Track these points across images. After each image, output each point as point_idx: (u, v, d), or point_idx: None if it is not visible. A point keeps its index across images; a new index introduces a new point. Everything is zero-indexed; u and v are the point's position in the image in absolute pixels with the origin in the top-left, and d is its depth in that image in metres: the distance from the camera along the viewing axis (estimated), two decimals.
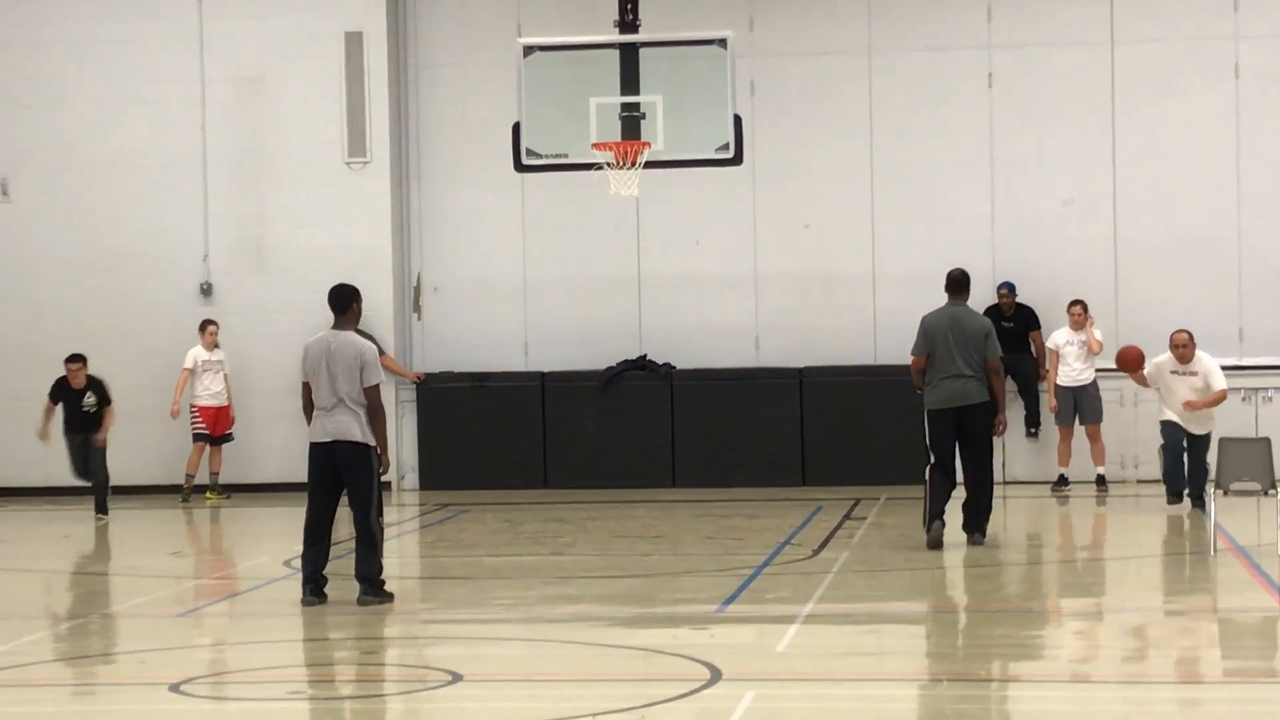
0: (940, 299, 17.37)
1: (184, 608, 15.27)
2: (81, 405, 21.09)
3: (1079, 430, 22.01)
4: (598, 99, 18.85)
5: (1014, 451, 22.89)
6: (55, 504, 20.86)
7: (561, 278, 23.95)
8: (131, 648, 13.01)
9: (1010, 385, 22.72)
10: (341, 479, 14.50)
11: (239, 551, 19.71)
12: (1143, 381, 19.54)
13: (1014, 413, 22.81)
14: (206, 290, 23.77)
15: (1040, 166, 23.32)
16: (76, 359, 21.23)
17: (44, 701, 11.72)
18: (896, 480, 21.52)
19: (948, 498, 16.86)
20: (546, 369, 23.78)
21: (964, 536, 17.06)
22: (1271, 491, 16.76)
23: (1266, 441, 17.09)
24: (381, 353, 22.38)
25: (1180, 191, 23.16)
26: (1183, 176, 23.15)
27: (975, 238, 23.23)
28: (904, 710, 11.04)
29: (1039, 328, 22.80)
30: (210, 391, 22.92)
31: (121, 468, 23.01)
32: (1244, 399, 22.04)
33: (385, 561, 14.69)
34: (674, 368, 23.53)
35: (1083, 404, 21.95)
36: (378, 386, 14.53)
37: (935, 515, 16.80)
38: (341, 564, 15.09)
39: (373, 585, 14.51)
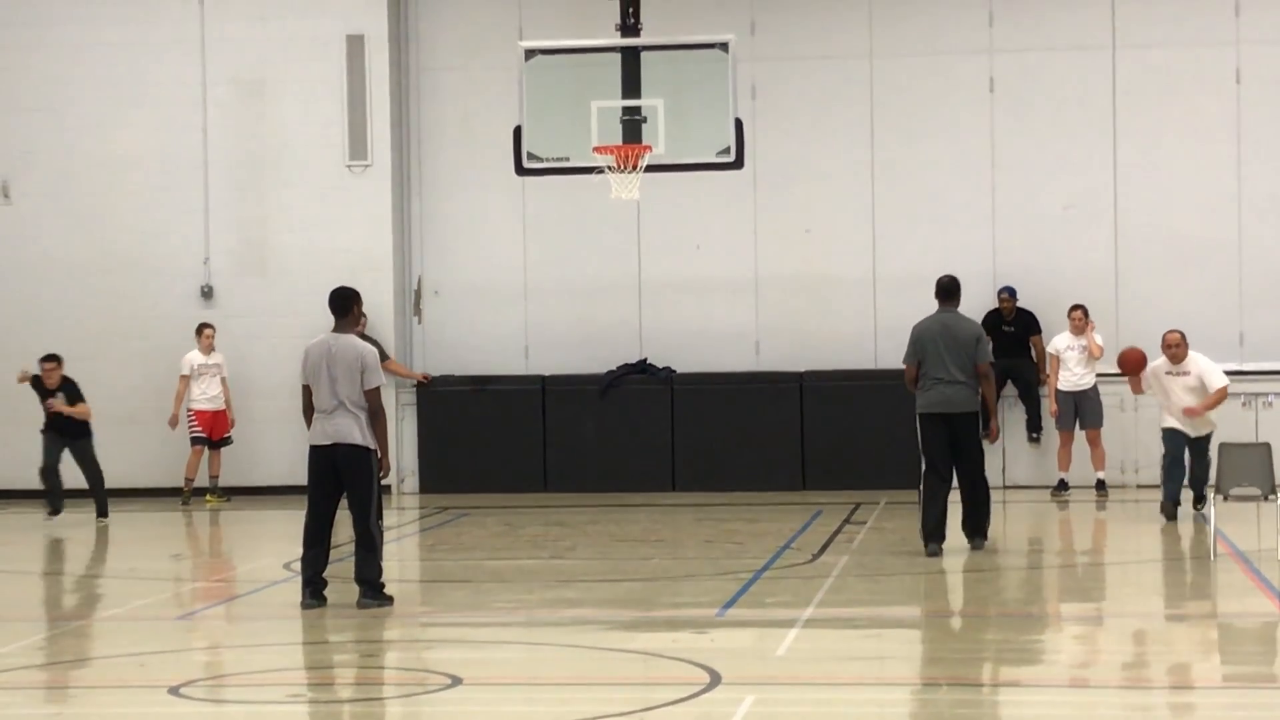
0: None
1: (184, 610, 15.26)
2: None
3: (1079, 435, 22.01)
4: (599, 102, 18.85)
5: (1015, 456, 22.90)
6: (44, 507, 20.83)
7: (562, 281, 23.95)
8: (131, 650, 13.00)
9: (1010, 390, 22.78)
10: (341, 482, 14.50)
11: (239, 554, 19.70)
12: (1137, 387, 19.46)
13: (1015, 417, 22.84)
14: (207, 293, 23.78)
15: (1041, 171, 23.33)
16: (51, 359, 21.19)
17: (44, 704, 11.72)
18: (896, 485, 21.52)
19: (944, 506, 16.77)
20: (547, 372, 23.78)
21: (964, 540, 17.05)
22: (1271, 497, 16.76)
23: (1266, 447, 17.08)
24: (386, 356, 22.56)
25: (1181, 196, 23.16)
26: (1184, 181, 23.16)
27: (976, 242, 23.24)
28: (904, 715, 11.03)
29: (1040, 332, 22.81)
30: (207, 395, 22.92)
31: (122, 471, 23.06)
32: (1244, 404, 22.05)
33: (385, 565, 14.69)
34: (674, 371, 23.52)
35: (1083, 409, 21.95)
36: (378, 389, 14.53)
37: (931, 535, 16.76)
38: (341, 567, 15.09)
39: (372, 588, 14.51)
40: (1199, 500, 19.04)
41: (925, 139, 23.48)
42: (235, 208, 23.85)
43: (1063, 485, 21.98)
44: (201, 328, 23.06)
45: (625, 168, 18.82)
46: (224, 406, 23.07)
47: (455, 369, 23.91)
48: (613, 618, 14.09)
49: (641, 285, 23.91)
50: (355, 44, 23.64)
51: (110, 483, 21.63)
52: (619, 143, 18.81)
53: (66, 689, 12.10)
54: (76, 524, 20.94)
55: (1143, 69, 23.20)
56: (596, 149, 18.85)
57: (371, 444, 14.46)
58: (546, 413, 23.53)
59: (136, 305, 23.77)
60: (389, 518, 16.79)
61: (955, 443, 16.86)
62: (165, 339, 23.37)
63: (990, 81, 23.42)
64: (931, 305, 17.55)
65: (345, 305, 14.77)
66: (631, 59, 18.96)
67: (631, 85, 18.90)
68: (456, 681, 11.69)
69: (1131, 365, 19.25)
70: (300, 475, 15.03)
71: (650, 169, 18.96)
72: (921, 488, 16.94)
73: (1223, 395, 19.05)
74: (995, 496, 17.52)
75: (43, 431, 21.26)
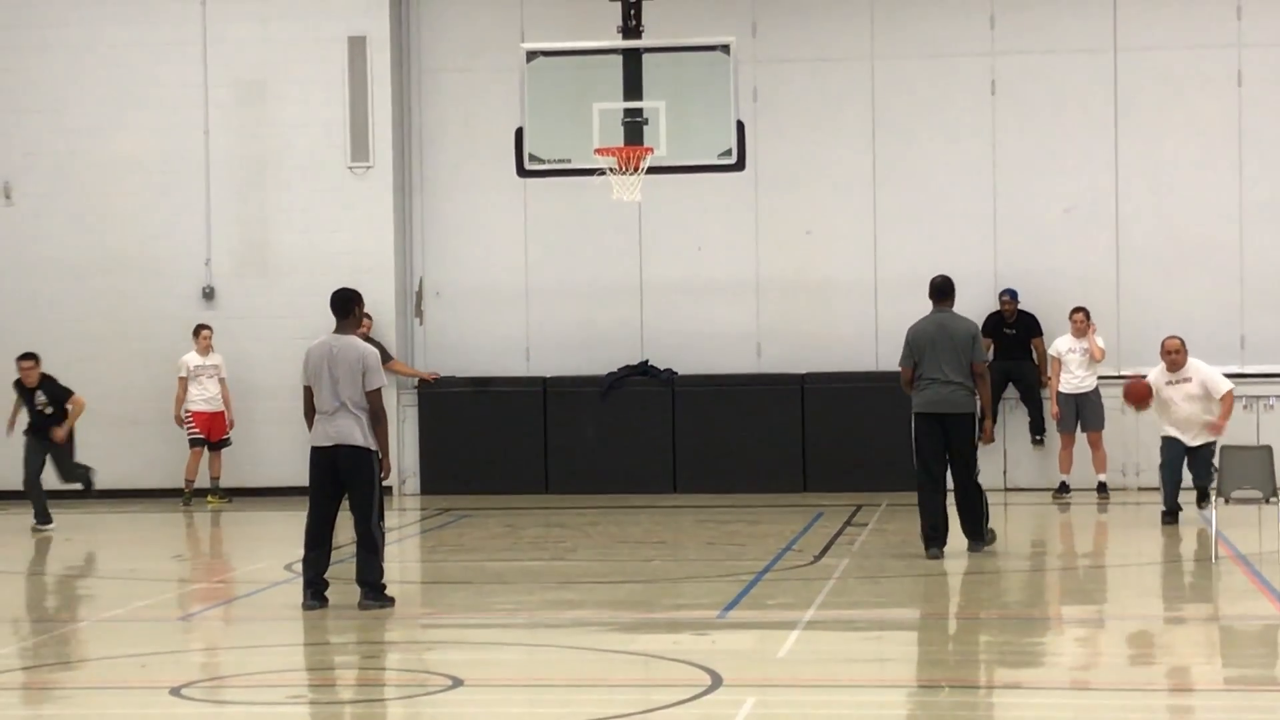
0: None
1: (185, 611, 15.26)
2: (34, 405, 20.60)
3: (1080, 437, 22.00)
4: (600, 104, 18.87)
5: (1017, 458, 22.90)
6: (56, 507, 20.82)
7: (563, 283, 23.95)
8: (132, 651, 13.00)
9: (1012, 392, 22.78)
10: (343, 483, 14.50)
11: (240, 556, 19.70)
12: (1143, 406, 19.23)
13: (1017, 419, 22.84)
14: (209, 294, 23.79)
15: (1043, 173, 23.33)
16: (28, 357, 20.74)
17: (44, 704, 11.73)
18: (898, 486, 21.47)
19: (940, 509, 16.73)
20: (548, 374, 23.79)
21: (965, 542, 17.03)
22: (1273, 499, 16.76)
23: (1268, 449, 17.07)
24: (389, 357, 22.59)
25: (1183, 199, 23.16)
26: (1185, 184, 23.16)
27: (978, 244, 23.24)
28: (905, 717, 11.03)
29: (1041, 334, 22.80)
30: (204, 396, 22.92)
31: (123, 472, 23.10)
32: (1245, 407, 22.02)
33: (386, 566, 14.69)
34: (675, 373, 23.52)
35: (1084, 411, 21.95)
36: (379, 391, 14.53)
37: (931, 538, 16.74)
38: (342, 568, 15.09)
39: (374, 590, 14.51)
40: (1203, 498, 18.90)
41: (926, 141, 23.48)
42: (236, 209, 23.86)
43: (1064, 488, 21.98)
44: (199, 329, 23.06)
45: (627, 169, 18.83)
46: (222, 408, 23.07)
47: (456, 370, 23.91)
48: (614, 619, 14.09)
49: (643, 287, 23.91)
50: (357, 45, 23.64)
51: (111, 484, 21.64)
52: (620, 144, 18.83)
53: (67, 690, 12.10)
54: (77, 525, 20.93)
55: (1144, 71, 23.20)
56: (598, 151, 18.86)
57: (373, 445, 14.46)
58: (548, 414, 23.53)
59: (138, 306, 23.77)
60: (390, 519, 16.79)
61: (950, 443, 16.81)
62: (166, 340, 23.37)
63: (992, 84, 23.42)
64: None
65: (346, 306, 14.77)
66: (633, 61, 18.98)
67: (633, 87, 18.92)
68: (458, 683, 11.69)
69: (1137, 397, 19.00)
70: (301, 476, 15.03)
71: (651, 171, 18.98)
72: (918, 494, 16.88)
73: (1231, 399, 18.96)
74: (997, 499, 17.51)
75: (26, 433, 20.77)
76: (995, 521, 17.47)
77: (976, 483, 16.94)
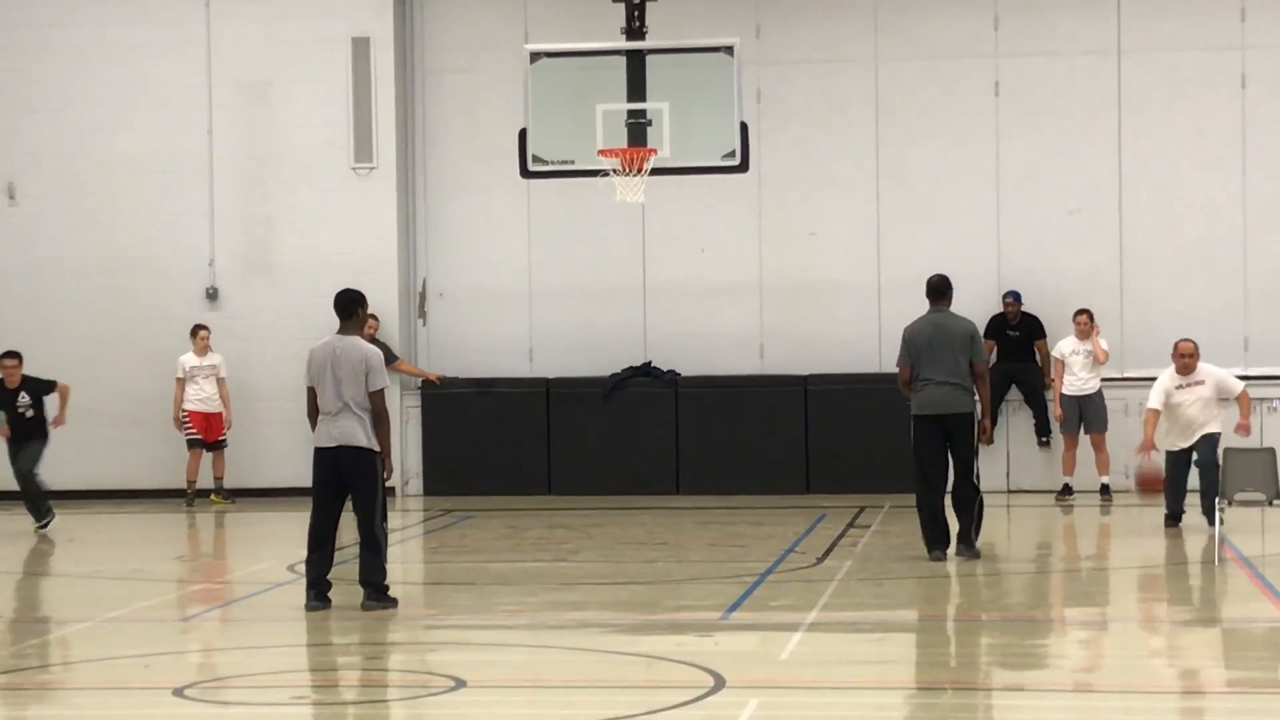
0: None
1: (188, 612, 15.26)
2: (15, 406, 20.25)
3: (1083, 439, 22.00)
4: (604, 105, 18.86)
5: (1020, 460, 22.88)
6: (58, 507, 20.83)
7: (567, 284, 23.95)
8: (135, 652, 13.00)
9: (1015, 394, 22.77)
10: (346, 484, 14.50)
11: (242, 556, 19.70)
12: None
13: (1021, 421, 22.82)
14: (212, 295, 23.79)
15: (1046, 175, 23.33)
16: (11, 356, 20.40)
17: (47, 705, 11.73)
18: (901, 489, 21.41)
19: (941, 512, 16.69)
20: (551, 375, 23.79)
21: (970, 544, 16.98)
22: (1276, 502, 16.74)
23: (1271, 452, 17.06)
24: (395, 357, 22.60)
25: (1186, 201, 23.16)
26: (1189, 186, 23.16)
27: (981, 246, 23.24)
28: (908, 719, 11.02)
29: (1044, 336, 22.80)
30: (200, 396, 22.91)
31: (126, 472, 23.13)
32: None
33: (389, 567, 14.69)
34: (678, 375, 23.52)
35: (1088, 413, 21.94)
36: (382, 391, 14.53)
37: (933, 541, 16.70)
38: (346, 569, 15.09)
39: (377, 590, 14.51)
40: (1209, 511, 18.53)
41: (930, 143, 23.47)
42: (240, 209, 23.86)
43: (1067, 490, 21.97)
44: (196, 329, 23.05)
45: (630, 171, 18.82)
46: (219, 408, 23.03)
47: (460, 371, 23.92)
48: (617, 620, 14.08)
49: (646, 288, 23.91)
50: (360, 46, 23.65)
51: (115, 484, 21.63)
52: (624, 146, 18.82)
53: (70, 690, 12.10)
54: (80, 526, 20.94)
55: (1148, 73, 23.19)
56: (601, 152, 18.85)
57: (376, 446, 14.45)
58: (551, 415, 23.54)
59: (141, 307, 23.77)
60: (393, 520, 16.79)
61: (949, 444, 16.72)
62: (170, 340, 23.35)
63: (995, 85, 23.41)
64: None
65: (350, 307, 14.76)
66: (637, 62, 18.97)
67: (636, 88, 18.91)
68: (460, 684, 11.69)
69: (1151, 484, 18.66)
70: (304, 477, 15.03)
71: (655, 172, 18.97)
72: (916, 499, 16.82)
73: (1248, 397, 18.81)
74: (1000, 500, 17.49)
75: (9, 441, 20.45)
76: (998, 523, 17.47)
77: (974, 484, 16.81)
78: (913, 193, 23.49)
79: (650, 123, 18.88)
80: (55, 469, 22.23)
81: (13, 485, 21.11)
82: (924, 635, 13.83)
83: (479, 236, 24.11)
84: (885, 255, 23.51)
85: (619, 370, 23.60)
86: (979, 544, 16.84)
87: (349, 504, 14.56)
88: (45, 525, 20.31)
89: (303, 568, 14.77)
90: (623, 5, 19.32)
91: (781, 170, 23.54)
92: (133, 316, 23.76)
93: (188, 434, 22.92)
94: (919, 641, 13.57)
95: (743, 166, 19.18)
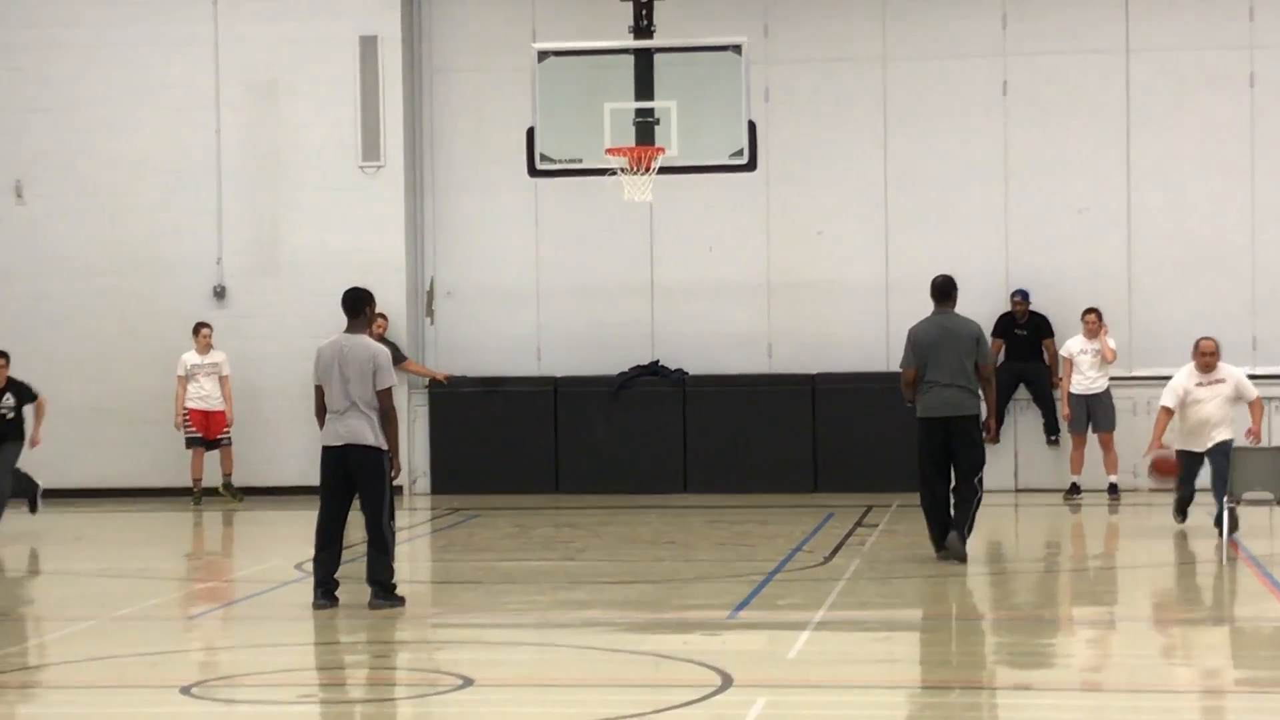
0: None
1: (195, 610, 15.27)
2: None
3: (1091, 438, 21.98)
4: (612, 104, 18.85)
5: (1028, 459, 22.85)
6: (57, 507, 20.84)
7: (574, 283, 23.95)
8: (142, 650, 13.00)
9: (1023, 393, 22.75)
10: (353, 483, 14.51)
11: (250, 555, 19.71)
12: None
13: (1029, 421, 22.80)
14: (220, 293, 23.80)
15: (1054, 174, 23.31)
16: None
17: (54, 703, 11.73)
18: (908, 488, 21.35)
19: (946, 513, 16.64)
20: (559, 374, 23.79)
21: (978, 545, 16.95)
22: None
23: (1279, 451, 17.02)
24: (403, 357, 22.60)
25: (1194, 200, 23.14)
26: (1197, 185, 23.14)
27: (989, 245, 23.22)
28: (915, 718, 11.02)
29: (1052, 335, 22.78)
30: (200, 394, 22.90)
31: (133, 470, 23.12)
32: None
33: (396, 565, 14.70)
34: (686, 373, 23.52)
35: (1096, 412, 21.93)
36: (390, 390, 14.53)
37: (941, 543, 16.66)
38: (353, 568, 15.09)
39: (384, 589, 14.51)
40: (1220, 523, 18.32)
41: (938, 142, 23.46)
42: (248, 208, 23.87)
43: (1075, 489, 21.95)
44: (198, 327, 23.04)
45: (638, 169, 18.82)
46: (220, 406, 23.00)
47: (467, 370, 23.92)
48: (624, 619, 14.08)
49: (654, 287, 23.91)
50: (368, 45, 23.65)
51: (122, 482, 21.62)
52: (632, 144, 18.81)
53: (77, 688, 12.10)
54: (87, 524, 20.95)
55: (1156, 72, 23.18)
56: (609, 151, 18.85)
57: (383, 445, 14.46)
58: (558, 414, 23.53)
59: (149, 305, 23.78)
60: (400, 519, 16.79)
61: (953, 444, 16.64)
62: (178, 338, 23.35)
63: (1004, 84, 23.40)
64: None
65: (358, 306, 14.76)
66: (644, 61, 18.96)
67: (644, 87, 18.90)
68: (468, 682, 11.69)
69: (1165, 471, 18.54)
70: (312, 476, 15.04)
71: (663, 171, 18.96)
72: (921, 501, 16.78)
73: (1261, 403, 18.69)
74: (1008, 499, 17.48)
75: None
76: (1006, 522, 17.46)
77: (974, 484, 16.67)
78: (921, 192, 23.48)
79: (658, 121, 18.87)
80: (63, 467, 22.32)
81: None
82: (931, 634, 13.82)
83: (487, 235, 24.12)
84: (893, 254, 23.50)
85: (626, 369, 23.60)
86: (969, 543, 16.65)
87: (356, 502, 14.57)
88: (35, 502, 20.14)
89: (310, 566, 14.78)
90: (630, 4, 19.32)
91: (789, 169, 23.54)
92: (140, 314, 23.77)
93: (188, 432, 22.90)
94: (926, 640, 13.57)
95: (750, 165, 19.17)
